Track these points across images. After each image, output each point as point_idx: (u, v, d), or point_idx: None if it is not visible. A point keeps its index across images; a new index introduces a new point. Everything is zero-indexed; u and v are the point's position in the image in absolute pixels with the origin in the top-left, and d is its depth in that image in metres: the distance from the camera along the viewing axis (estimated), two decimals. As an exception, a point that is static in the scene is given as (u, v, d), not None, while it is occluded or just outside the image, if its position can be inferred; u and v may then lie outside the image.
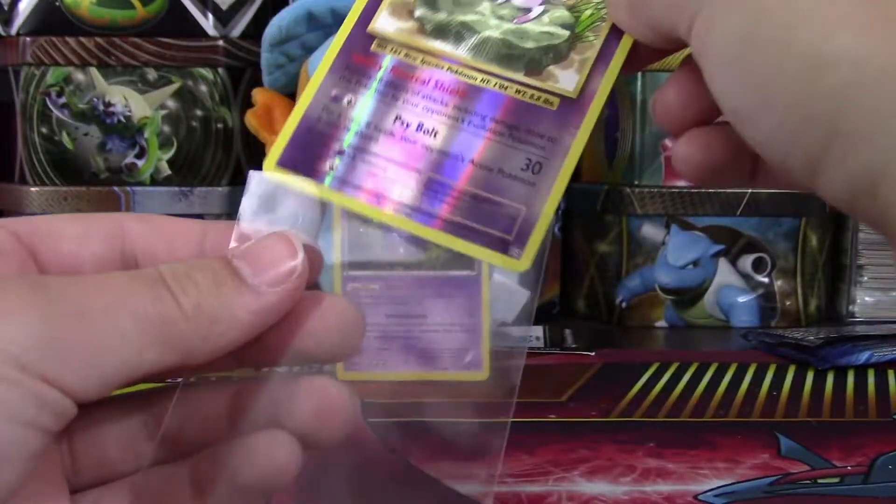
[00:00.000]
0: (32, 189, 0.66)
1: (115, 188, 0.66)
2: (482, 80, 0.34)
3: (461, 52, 0.34)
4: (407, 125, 0.33)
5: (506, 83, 0.34)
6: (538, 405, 0.49)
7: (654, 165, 0.67)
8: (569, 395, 0.51)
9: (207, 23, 0.66)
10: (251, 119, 0.58)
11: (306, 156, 0.34)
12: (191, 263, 0.27)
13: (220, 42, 0.66)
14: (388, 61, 0.34)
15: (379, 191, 0.33)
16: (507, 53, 0.34)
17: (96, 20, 0.66)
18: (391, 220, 0.33)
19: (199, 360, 0.27)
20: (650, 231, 0.68)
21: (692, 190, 0.67)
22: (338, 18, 0.58)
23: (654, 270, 0.68)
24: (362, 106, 0.34)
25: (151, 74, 0.66)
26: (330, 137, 0.34)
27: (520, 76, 0.34)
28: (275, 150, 0.33)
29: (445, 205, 0.33)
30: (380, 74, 0.34)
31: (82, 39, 0.65)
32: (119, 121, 0.66)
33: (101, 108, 0.66)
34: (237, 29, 0.67)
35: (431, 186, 0.33)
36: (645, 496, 0.38)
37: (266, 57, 0.59)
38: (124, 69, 0.66)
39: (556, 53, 0.34)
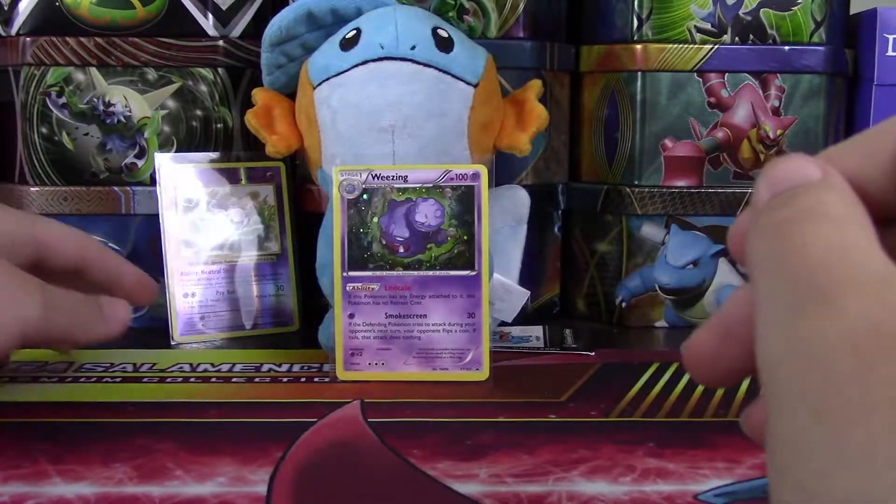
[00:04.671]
0: (32, 189, 0.66)
1: (115, 188, 0.66)
2: None
3: None
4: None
5: None
6: (538, 405, 0.49)
7: (654, 165, 0.67)
8: (569, 395, 0.51)
9: (207, 23, 0.66)
10: (251, 119, 0.58)
11: None
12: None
13: (220, 42, 0.66)
14: None
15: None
16: None
17: (96, 20, 0.66)
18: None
19: None
20: (650, 231, 0.68)
21: (692, 190, 0.67)
22: (338, 18, 0.58)
23: (654, 270, 0.68)
24: None
25: (151, 74, 0.66)
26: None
27: None
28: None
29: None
30: None
31: (82, 39, 0.65)
32: (119, 121, 0.66)
33: (101, 108, 0.66)
34: (237, 29, 0.67)
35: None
36: (645, 496, 0.38)
37: (266, 57, 0.59)
38: (124, 69, 0.66)
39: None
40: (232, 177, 0.65)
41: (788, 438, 0.20)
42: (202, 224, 0.64)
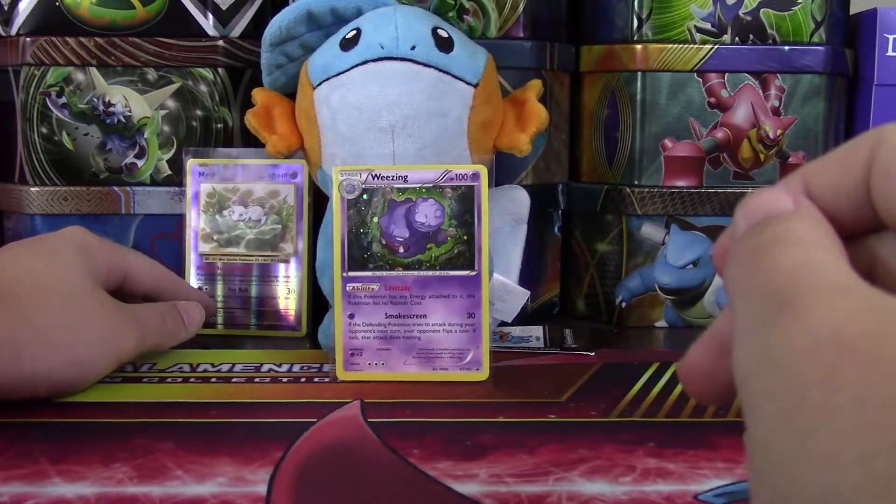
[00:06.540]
0: (32, 189, 0.66)
1: (115, 188, 0.66)
2: None
3: None
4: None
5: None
6: (538, 405, 0.49)
7: (654, 165, 0.67)
8: (569, 395, 0.51)
9: (207, 23, 0.66)
10: (251, 119, 0.58)
11: None
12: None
13: (220, 42, 0.66)
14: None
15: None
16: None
17: (96, 20, 0.66)
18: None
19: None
20: (650, 231, 0.68)
21: (692, 190, 0.67)
22: (338, 18, 0.58)
23: (654, 270, 0.68)
24: None
25: (151, 74, 0.66)
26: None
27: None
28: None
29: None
30: None
31: (82, 39, 0.65)
32: (119, 121, 0.66)
33: (101, 108, 0.66)
34: (237, 29, 0.67)
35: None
36: (645, 496, 0.38)
37: (266, 57, 0.59)
38: (124, 69, 0.66)
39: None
40: (254, 174, 0.64)
41: (761, 443, 0.21)
42: (220, 220, 0.64)
